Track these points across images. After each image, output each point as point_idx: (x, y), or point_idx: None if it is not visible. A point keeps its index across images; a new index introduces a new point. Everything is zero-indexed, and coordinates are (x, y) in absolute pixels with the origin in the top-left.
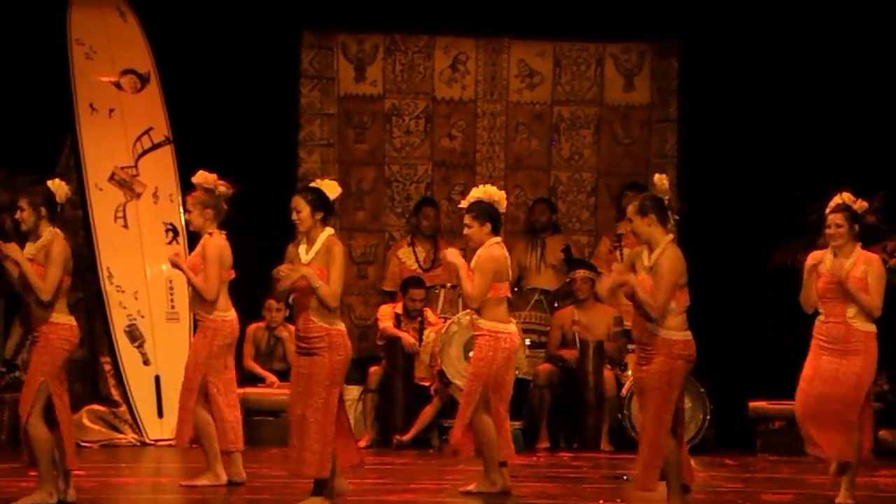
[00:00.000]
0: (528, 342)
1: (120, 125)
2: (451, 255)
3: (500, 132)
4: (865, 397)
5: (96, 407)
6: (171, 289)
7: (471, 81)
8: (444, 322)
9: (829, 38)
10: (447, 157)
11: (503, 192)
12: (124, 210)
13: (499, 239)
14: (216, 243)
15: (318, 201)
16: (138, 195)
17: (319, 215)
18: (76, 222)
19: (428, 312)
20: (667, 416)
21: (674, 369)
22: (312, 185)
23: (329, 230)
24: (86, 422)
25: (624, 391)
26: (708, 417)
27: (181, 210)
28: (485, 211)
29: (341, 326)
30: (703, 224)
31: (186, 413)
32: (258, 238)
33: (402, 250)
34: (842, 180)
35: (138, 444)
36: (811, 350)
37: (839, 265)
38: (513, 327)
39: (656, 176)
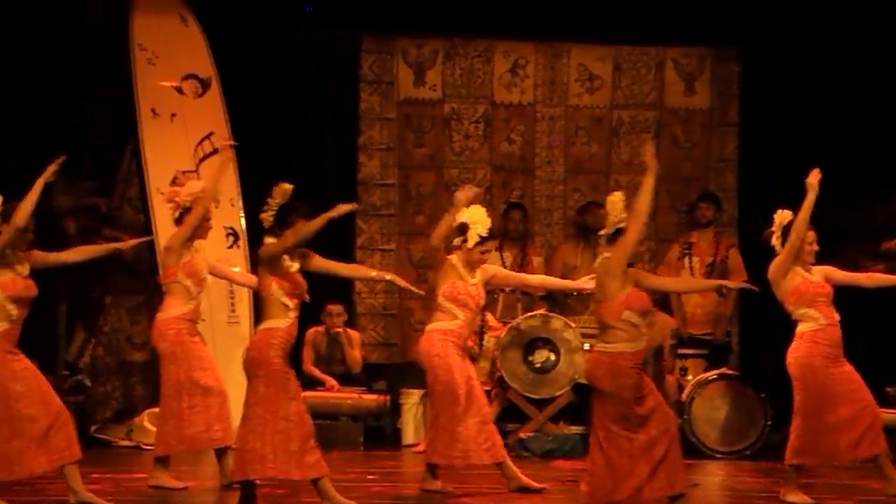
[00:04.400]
0: (587, 347)
1: (181, 130)
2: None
3: (559, 136)
4: None
5: (158, 410)
6: (232, 293)
7: (530, 86)
8: (505, 326)
9: (891, 40)
10: (506, 162)
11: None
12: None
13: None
14: None
15: None
16: None
17: None
18: (138, 226)
19: (489, 317)
20: None
21: None
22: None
23: None
24: (147, 424)
25: (684, 396)
26: (769, 424)
27: (241, 214)
28: None
29: None
30: (763, 229)
31: None
32: (318, 243)
33: (490, 254)
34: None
35: None
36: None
37: None
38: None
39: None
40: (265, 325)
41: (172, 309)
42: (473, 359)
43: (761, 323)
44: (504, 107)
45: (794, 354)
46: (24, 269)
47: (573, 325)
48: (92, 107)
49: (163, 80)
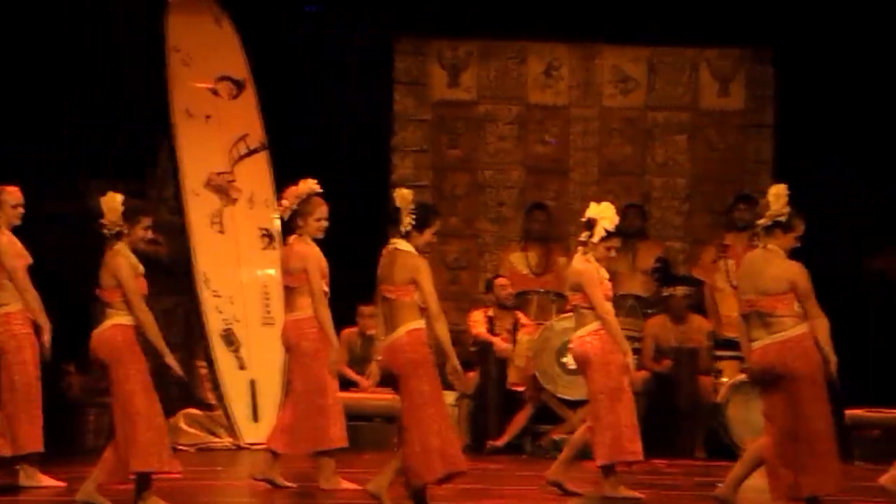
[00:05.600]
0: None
1: (216, 131)
2: None
3: (593, 138)
4: None
5: (192, 411)
6: (267, 294)
7: (564, 87)
8: (538, 326)
9: None
10: (540, 163)
11: None
12: (220, 216)
13: None
14: None
15: None
16: (234, 201)
17: None
18: (174, 228)
19: (521, 315)
20: None
21: None
22: None
23: None
24: (182, 425)
25: (719, 398)
26: None
27: (276, 216)
28: None
29: None
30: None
31: None
32: (352, 244)
33: (514, 255)
34: None
35: (234, 447)
36: None
37: None
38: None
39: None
40: (410, 325)
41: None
42: (506, 360)
43: None
44: (538, 108)
45: None
46: None
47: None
48: (127, 108)
49: (197, 82)
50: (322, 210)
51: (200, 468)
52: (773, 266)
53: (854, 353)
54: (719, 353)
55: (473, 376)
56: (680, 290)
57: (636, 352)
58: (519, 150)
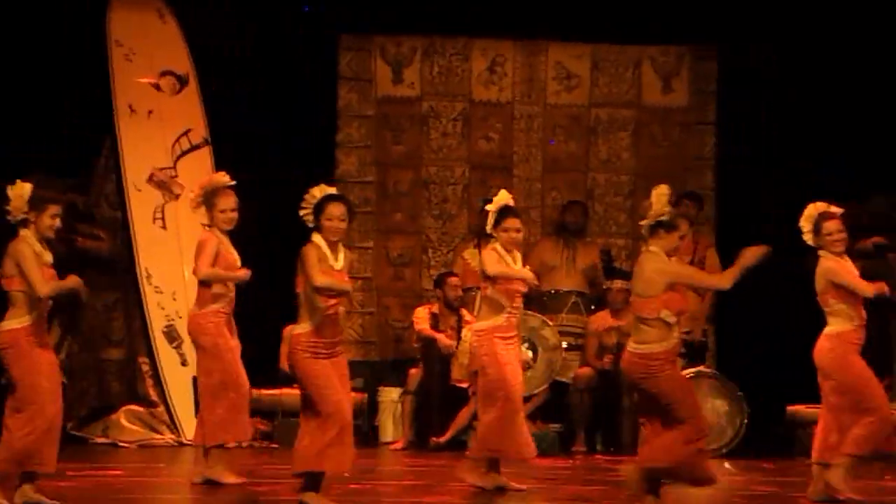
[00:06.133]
0: (565, 345)
1: (159, 126)
2: None
3: (536, 134)
4: None
5: (134, 407)
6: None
7: (508, 84)
8: None
9: (864, 38)
10: (484, 160)
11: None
12: (163, 211)
13: None
14: None
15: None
16: (177, 196)
17: None
18: (115, 223)
19: (465, 312)
20: None
21: None
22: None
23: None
24: (123, 422)
25: None
26: (745, 422)
27: None
28: None
29: None
30: (740, 227)
31: None
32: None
33: (468, 251)
34: (879, 184)
35: (176, 444)
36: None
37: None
38: None
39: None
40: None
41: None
42: (450, 356)
43: (737, 322)
44: (482, 105)
45: None
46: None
47: (551, 323)
48: (68, 103)
49: (140, 77)
50: (228, 202)
51: (142, 465)
52: (646, 269)
53: (797, 348)
54: None
55: (417, 372)
56: (618, 284)
57: (580, 349)
58: (463, 146)
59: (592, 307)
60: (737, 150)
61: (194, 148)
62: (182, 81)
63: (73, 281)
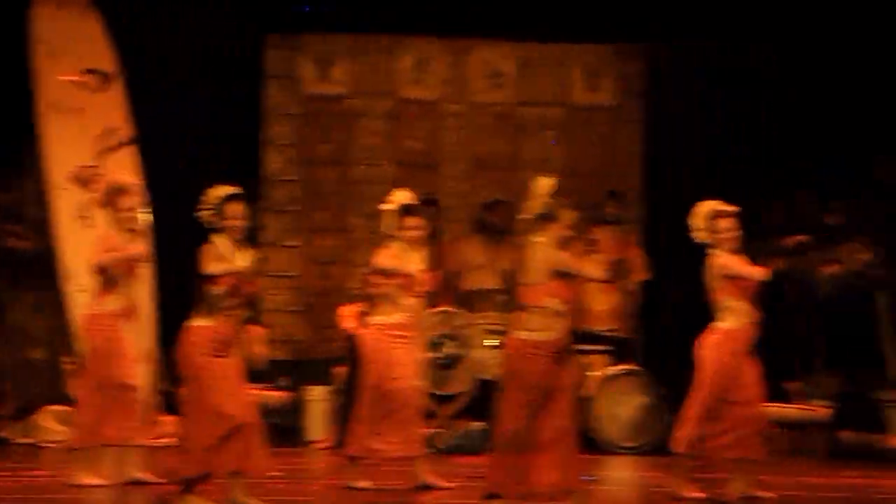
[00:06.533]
0: (491, 343)
1: (83, 124)
2: None
3: (464, 133)
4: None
5: (57, 407)
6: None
7: (435, 82)
8: None
9: (796, 35)
10: (411, 158)
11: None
12: (90, 209)
13: None
14: None
15: None
16: None
17: None
18: (39, 222)
19: None
20: None
21: None
22: None
23: None
24: (45, 422)
25: (587, 392)
26: (671, 419)
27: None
28: None
29: None
30: (667, 225)
31: None
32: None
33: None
34: (799, 183)
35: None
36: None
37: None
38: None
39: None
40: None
41: (108, 303)
42: None
43: (664, 319)
44: (409, 103)
45: None
46: None
47: (477, 321)
48: None
49: (63, 74)
50: (127, 202)
51: (65, 465)
52: (530, 258)
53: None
54: (587, 347)
55: (343, 371)
56: None
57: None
58: (390, 145)
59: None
60: (664, 149)
61: (119, 146)
62: (106, 79)
63: None
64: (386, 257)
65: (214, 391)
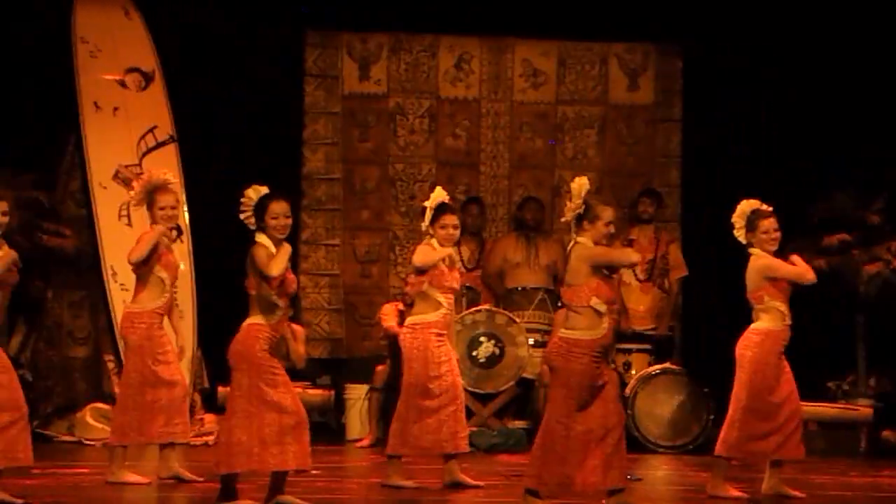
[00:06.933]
0: (531, 342)
1: (124, 123)
2: None
3: (504, 131)
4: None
5: (100, 405)
6: (175, 287)
7: (475, 81)
8: None
9: (833, 37)
10: (451, 157)
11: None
12: (128, 208)
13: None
14: None
15: None
16: None
17: None
18: (80, 221)
19: None
20: None
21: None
22: None
23: None
24: (89, 420)
25: (627, 391)
26: (711, 418)
27: (185, 209)
28: None
29: None
30: (706, 224)
31: None
32: None
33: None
34: (843, 181)
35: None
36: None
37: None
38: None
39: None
40: (250, 320)
41: (144, 302)
42: None
43: (703, 318)
44: (449, 102)
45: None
46: None
47: (518, 320)
48: (33, 100)
49: (105, 74)
50: (166, 199)
51: (107, 463)
52: (571, 258)
53: None
54: (627, 346)
55: (384, 369)
56: None
57: (546, 345)
58: (430, 143)
59: (559, 304)
60: (702, 147)
61: (160, 145)
62: (148, 78)
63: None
64: (425, 255)
65: (273, 388)
